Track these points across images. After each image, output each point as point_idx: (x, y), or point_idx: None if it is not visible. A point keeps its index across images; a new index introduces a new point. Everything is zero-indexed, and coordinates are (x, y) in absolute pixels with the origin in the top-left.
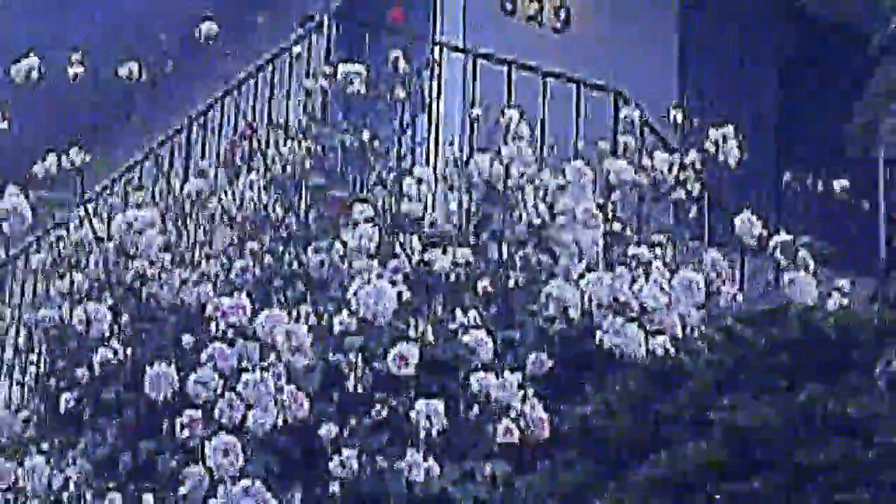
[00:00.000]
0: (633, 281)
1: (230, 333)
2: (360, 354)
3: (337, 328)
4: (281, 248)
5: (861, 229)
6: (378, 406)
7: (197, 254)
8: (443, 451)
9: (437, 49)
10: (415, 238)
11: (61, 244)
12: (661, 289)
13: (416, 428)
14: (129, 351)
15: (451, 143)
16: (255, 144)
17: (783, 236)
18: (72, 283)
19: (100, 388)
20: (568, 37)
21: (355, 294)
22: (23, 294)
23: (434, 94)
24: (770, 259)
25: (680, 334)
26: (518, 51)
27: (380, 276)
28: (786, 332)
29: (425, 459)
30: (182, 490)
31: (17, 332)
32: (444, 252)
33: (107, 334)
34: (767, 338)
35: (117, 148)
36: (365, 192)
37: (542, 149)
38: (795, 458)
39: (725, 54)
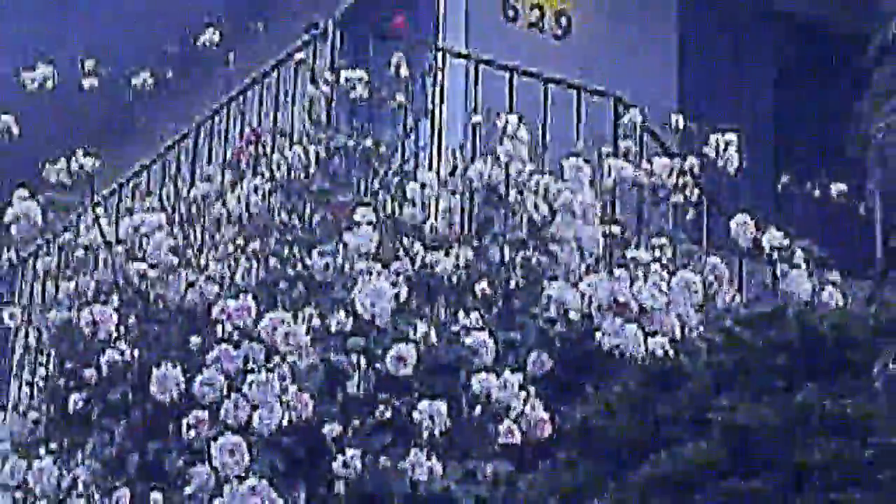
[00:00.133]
0: (633, 283)
1: (236, 335)
2: (362, 355)
3: (335, 327)
4: (286, 251)
5: (858, 232)
6: (381, 406)
7: (203, 256)
8: (445, 451)
9: (439, 55)
10: (417, 242)
11: (70, 247)
12: (660, 290)
13: (419, 428)
14: (136, 352)
15: (455, 150)
16: (260, 150)
17: (775, 234)
18: (76, 285)
19: (107, 389)
20: (569, 43)
21: (356, 293)
22: (32, 296)
23: (437, 100)
24: (767, 261)
25: (679, 335)
26: (519, 57)
27: (379, 274)
28: (784, 334)
29: (428, 459)
30: (188, 489)
31: (27, 334)
32: (447, 254)
33: (114, 336)
34: (766, 339)
35: (125, 152)
36: (368, 196)
37: (543, 153)
38: (793, 457)
39: (724, 59)
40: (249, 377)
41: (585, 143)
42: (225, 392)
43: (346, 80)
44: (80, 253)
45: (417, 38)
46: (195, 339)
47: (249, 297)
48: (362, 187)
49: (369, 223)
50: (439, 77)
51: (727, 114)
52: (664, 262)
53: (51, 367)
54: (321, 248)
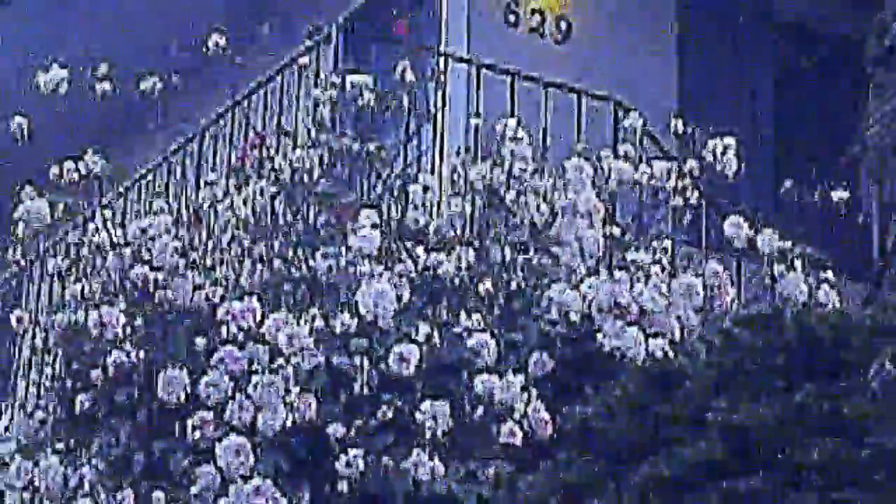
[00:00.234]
0: (633, 285)
1: (240, 337)
2: (366, 356)
3: (339, 329)
4: (290, 254)
5: (856, 233)
6: (384, 407)
7: (208, 258)
8: (447, 451)
9: (441, 60)
10: (420, 244)
11: (77, 248)
12: (661, 293)
13: (421, 428)
14: (142, 354)
15: (456, 152)
16: (264, 153)
17: (771, 235)
18: (82, 288)
19: (114, 390)
20: (569, 48)
21: (359, 294)
22: (39, 297)
23: (439, 104)
24: (764, 263)
25: (678, 337)
26: (521, 62)
27: (381, 276)
28: (782, 335)
29: (430, 459)
30: (194, 489)
31: (34, 335)
32: (449, 254)
33: (121, 337)
34: (764, 340)
35: (131, 155)
36: (372, 199)
37: (544, 156)
38: (791, 457)
39: (723, 63)
40: (254, 378)
41: (586, 146)
42: (230, 393)
43: (352, 85)
44: (87, 255)
45: (420, 43)
46: (200, 341)
47: (254, 298)
48: (366, 190)
49: (373, 226)
50: (441, 81)
51: (727, 117)
52: (664, 264)
53: (57, 367)
54: (325, 251)
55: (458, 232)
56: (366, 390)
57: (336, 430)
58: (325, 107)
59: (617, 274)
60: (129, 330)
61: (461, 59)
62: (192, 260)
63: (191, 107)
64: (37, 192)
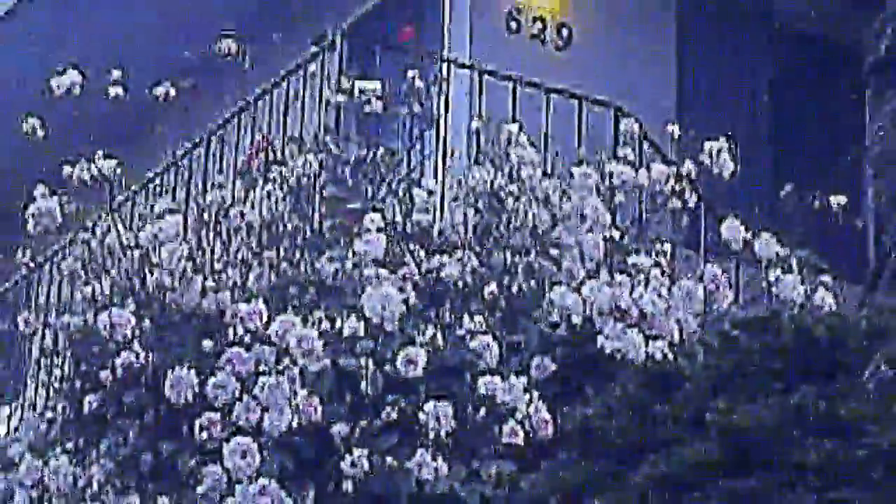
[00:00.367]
0: (633, 288)
1: (247, 339)
2: (371, 358)
3: (347, 332)
4: (296, 257)
5: (853, 236)
6: (388, 408)
7: (216, 262)
8: (451, 451)
9: (444, 66)
10: (423, 247)
11: (87, 251)
12: (660, 296)
13: (425, 429)
14: (150, 355)
15: (458, 156)
16: (271, 157)
17: (768, 239)
18: (93, 290)
19: (122, 391)
20: (570, 54)
21: (365, 298)
22: (48, 299)
23: (442, 109)
24: (762, 267)
25: (678, 339)
26: (522, 68)
27: (386, 279)
28: (779, 338)
29: (434, 459)
30: (200, 489)
31: (44, 336)
32: (450, 256)
33: (129, 339)
34: (762, 343)
35: (139, 159)
36: (376, 203)
37: (545, 161)
38: (789, 457)
39: (722, 69)
40: (261, 380)
41: (587, 151)
42: (237, 394)
43: (360, 91)
44: (97, 257)
45: (423, 50)
46: (208, 343)
47: (261, 301)
48: (370, 194)
49: (378, 230)
50: (444, 87)
51: (725, 122)
52: (664, 268)
53: (67, 368)
54: (331, 254)
55: (461, 235)
56: (370, 391)
57: (341, 430)
58: (330, 112)
59: (617, 277)
60: (137, 331)
61: (464, 66)
62: (200, 263)
63: (199, 111)
64: (49, 191)
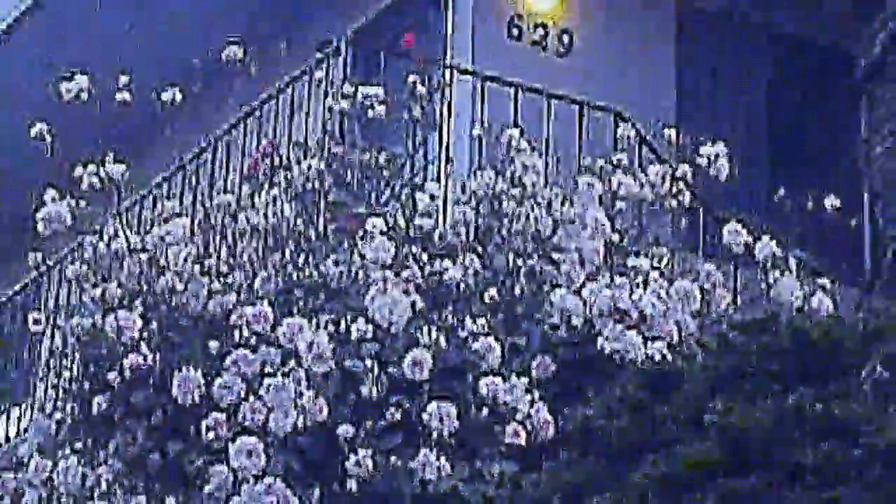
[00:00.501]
0: (633, 290)
1: (253, 340)
2: (375, 360)
3: (355, 335)
4: (301, 260)
5: (849, 240)
6: (392, 409)
7: (223, 265)
8: (453, 451)
9: (447, 72)
10: (426, 250)
11: (96, 254)
12: (659, 297)
13: (428, 429)
14: (157, 357)
15: (461, 161)
16: (276, 162)
17: (768, 242)
18: (103, 292)
19: (130, 392)
20: (571, 60)
21: (372, 303)
22: (57, 302)
23: (445, 115)
24: (760, 269)
25: (677, 341)
26: (524, 74)
27: (395, 286)
28: (777, 339)
29: (437, 459)
30: (207, 488)
31: (53, 338)
32: (454, 262)
33: (137, 341)
34: (759, 344)
35: (147, 164)
36: (380, 207)
37: (547, 165)
38: (786, 457)
39: (719, 75)
40: (266, 381)
41: (588, 155)
42: (243, 395)
43: (364, 97)
44: (105, 261)
45: (426, 56)
46: (214, 344)
47: (266, 303)
48: (374, 198)
49: (382, 233)
50: (447, 93)
51: (724, 126)
52: (663, 269)
53: (75, 370)
54: (335, 258)
55: (463, 239)
56: (375, 393)
57: (346, 431)
58: (332, 117)
59: (617, 279)
60: (145, 333)
61: (466, 72)
62: (206, 266)
63: (206, 117)
64: (59, 195)
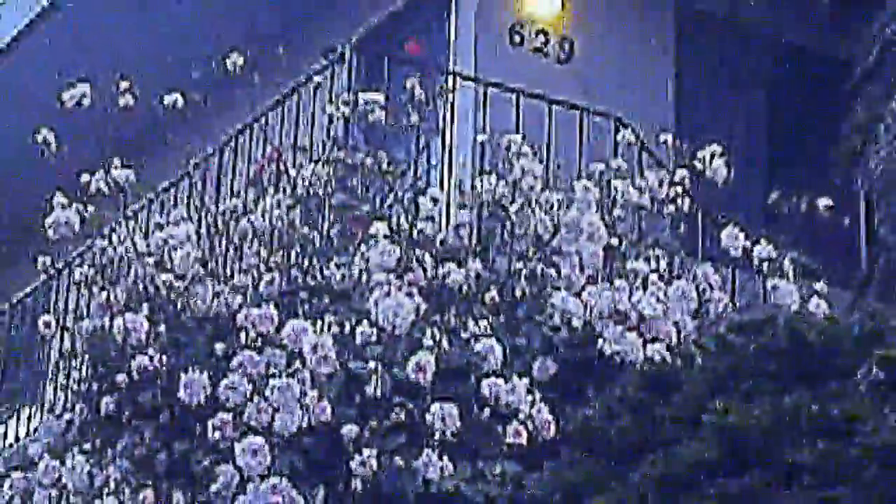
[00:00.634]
0: (632, 292)
1: (259, 342)
2: (379, 362)
3: (359, 339)
4: (306, 263)
5: (845, 242)
6: (396, 409)
7: (228, 267)
8: (456, 451)
9: (450, 78)
10: (429, 254)
11: (103, 258)
12: (658, 300)
13: (431, 429)
14: (164, 358)
15: (463, 165)
16: (281, 167)
17: (765, 246)
18: (108, 295)
19: (138, 393)
20: (572, 67)
21: (376, 306)
22: (66, 304)
23: (447, 120)
24: (757, 272)
25: (676, 342)
26: (525, 80)
27: (399, 289)
28: (774, 341)
29: (440, 459)
30: (213, 487)
31: (62, 340)
32: (460, 266)
33: (144, 342)
34: (757, 346)
35: (154, 169)
36: (383, 211)
37: (547, 170)
38: (783, 457)
39: (718, 82)
40: (272, 382)
41: (588, 159)
42: (248, 396)
43: (366, 102)
44: (112, 264)
45: (429, 62)
46: (220, 346)
47: (272, 305)
48: (378, 202)
49: (385, 237)
50: (450, 99)
51: (722, 132)
52: (661, 272)
53: (84, 371)
54: (339, 261)
55: (466, 242)
56: (378, 393)
57: (350, 431)
58: (338, 122)
59: (617, 282)
60: (152, 335)
61: (468, 78)
62: (212, 270)
63: (212, 123)
64: (67, 200)
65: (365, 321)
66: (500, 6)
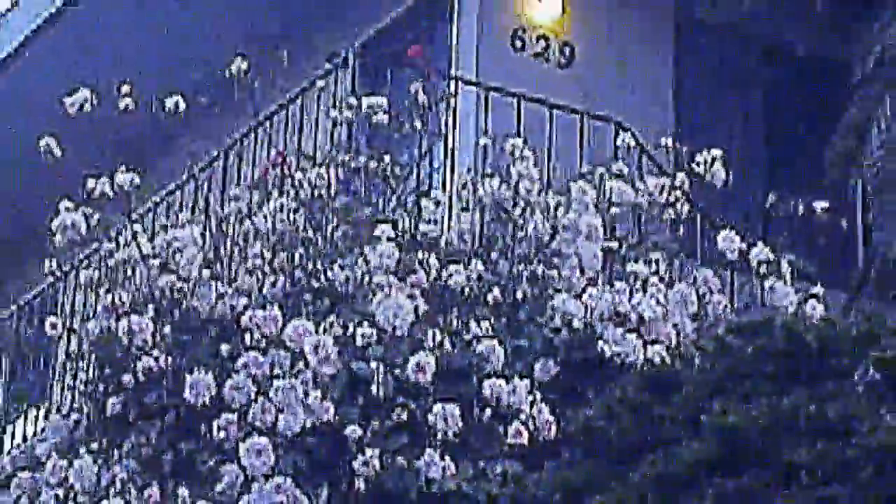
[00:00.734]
0: (632, 295)
1: (263, 343)
2: (381, 363)
3: (360, 341)
4: (309, 265)
5: (839, 246)
6: (398, 410)
7: (232, 270)
8: (458, 451)
9: (452, 83)
10: (432, 255)
11: (110, 261)
12: (658, 302)
13: (433, 429)
14: (170, 359)
15: (468, 170)
16: (285, 170)
17: (762, 248)
18: (113, 297)
19: (143, 393)
20: (572, 72)
21: (377, 307)
22: (73, 306)
23: (450, 124)
24: (755, 275)
25: (675, 343)
26: (526, 84)
27: (400, 290)
28: (772, 342)
29: (442, 458)
30: (218, 487)
31: (69, 342)
32: (466, 267)
33: (150, 344)
34: (755, 347)
35: (161, 172)
36: (388, 212)
37: (548, 173)
38: (781, 456)
39: (717, 86)
40: (276, 383)
41: (588, 164)
42: (253, 396)
43: (369, 106)
44: (118, 266)
45: (432, 67)
46: (225, 347)
47: (276, 307)
48: (381, 205)
49: (389, 239)
50: (452, 103)
51: (721, 136)
52: (661, 275)
53: (91, 372)
54: (342, 262)
55: (468, 245)
56: (381, 394)
57: (353, 431)
58: (342, 126)
59: (617, 284)
60: (157, 337)
61: (470, 82)
62: (217, 271)
63: (216, 127)
64: (73, 205)
65: (366, 322)
66: (501, 11)
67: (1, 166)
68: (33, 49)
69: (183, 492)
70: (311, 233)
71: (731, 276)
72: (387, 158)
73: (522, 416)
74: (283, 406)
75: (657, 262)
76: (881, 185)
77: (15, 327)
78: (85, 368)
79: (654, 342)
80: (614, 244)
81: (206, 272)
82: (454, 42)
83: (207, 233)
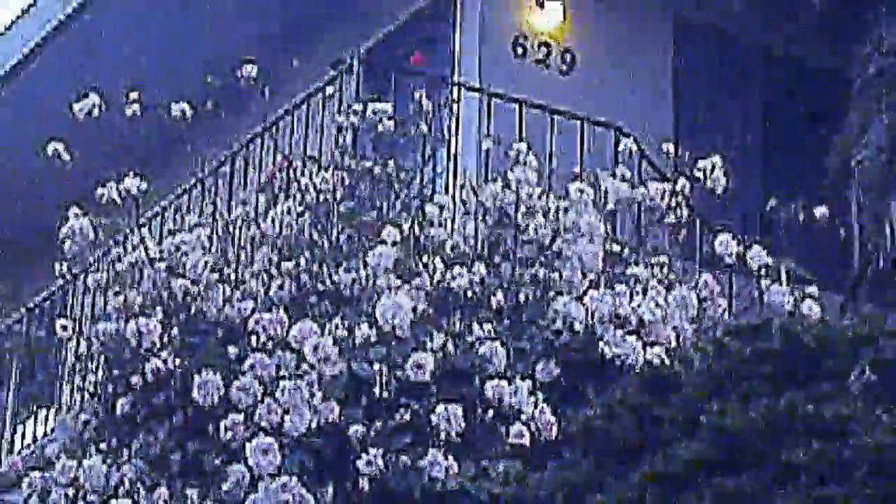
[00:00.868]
0: (632, 297)
1: (269, 345)
2: (384, 364)
3: (359, 340)
4: (315, 268)
5: (836, 248)
6: (402, 410)
7: (239, 273)
8: (460, 451)
9: (455, 89)
10: (437, 259)
11: (118, 264)
12: (657, 304)
13: (436, 430)
14: (178, 361)
15: (465, 171)
16: (291, 175)
17: (758, 251)
18: (125, 299)
19: (152, 394)
20: (573, 78)
21: (377, 308)
22: (83, 309)
23: (453, 130)
24: (753, 277)
25: (675, 345)
26: (528, 91)
27: (398, 289)
28: (769, 344)
29: (444, 458)
30: (225, 486)
31: (78, 343)
32: (470, 270)
33: (158, 345)
34: (753, 349)
35: (169, 177)
36: (391, 217)
37: (549, 178)
38: (778, 457)
39: (716, 92)
40: (282, 384)
41: (588, 169)
42: (259, 397)
43: (374, 112)
44: (126, 270)
45: (435, 74)
46: (232, 349)
47: (282, 310)
48: (385, 209)
49: (394, 243)
50: (455, 109)
51: (720, 142)
52: (661, 277)
53: (100, 373)
54: (347, 265)
55: (471, 248)
56: (385, 395)
57: (357, 431)
58: (347, 131)
59: (617, 287)
60: (165, 339)
61: (473, 89)
62: (224, 275)
63: (223, 131)
64: (82, 210)
65: (366, 323)
66: (503, 19)
67: (11, 171)
68: (43, 56)
69: (191, 493)
70: (316, 236)
71: (729, 280)
72: (391, 163)
73: (524, 417)
74: (289, 406)
75: (662, 266)
76: (876, 187)
77: (25, 330)
78: (94, 370)
79: (653, 344)
80: (615, 247)
81: (213, 276)
82: (457, 49)
83: (215, 236)
